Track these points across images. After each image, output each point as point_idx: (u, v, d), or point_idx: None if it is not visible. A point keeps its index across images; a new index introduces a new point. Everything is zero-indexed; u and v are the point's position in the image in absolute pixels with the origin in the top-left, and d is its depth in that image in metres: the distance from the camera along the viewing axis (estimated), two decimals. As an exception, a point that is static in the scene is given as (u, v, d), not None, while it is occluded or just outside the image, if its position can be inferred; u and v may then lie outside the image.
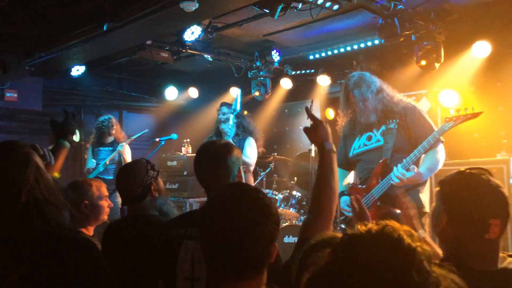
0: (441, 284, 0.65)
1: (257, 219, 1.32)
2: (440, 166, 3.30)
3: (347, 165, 3.64)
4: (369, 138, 3.42)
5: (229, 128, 4.70)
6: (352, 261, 0.66)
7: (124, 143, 5.90)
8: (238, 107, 4.34)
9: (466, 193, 1.64)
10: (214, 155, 2.06)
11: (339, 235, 0.75)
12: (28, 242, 1.53)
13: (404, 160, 3.18)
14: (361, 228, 0.71)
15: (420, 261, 0.65)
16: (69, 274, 1.50)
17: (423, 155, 3.26)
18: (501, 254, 1.71)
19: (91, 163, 6.00)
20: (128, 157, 5.92)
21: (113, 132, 6.04)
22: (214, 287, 1.36)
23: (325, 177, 1.86)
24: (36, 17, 4.70)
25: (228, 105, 4.90)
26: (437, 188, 1.73)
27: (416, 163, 3.21)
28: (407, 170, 3.13)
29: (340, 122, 3.64)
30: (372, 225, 0.71)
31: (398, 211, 3.17)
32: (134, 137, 5.94)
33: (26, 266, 1.48)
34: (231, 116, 4.71)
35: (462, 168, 1.73)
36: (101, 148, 6.03)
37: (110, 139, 6.06)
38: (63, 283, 1.49)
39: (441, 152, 3.27)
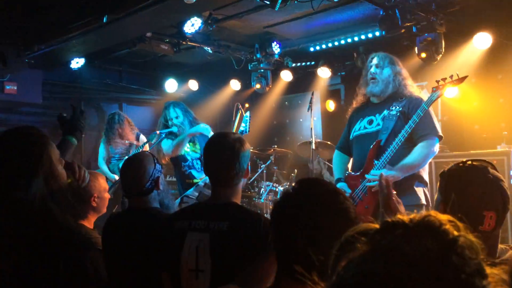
0: (486, 276, 0.62)
1: (338, 222, 1.26)
2: (423, 164, 3.23)
3: (346, 148, 3.62)
4: (370, 122, 3.42)
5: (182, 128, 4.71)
6: (390, 247, 0.63)
7: (142, 146, 5.46)
8: (248, 129, 4.34)
9: (461, 185, 1.66)
10: (228, 149, 2.06)
11: (375, 225, 0.71)
12: (26, 233, 1.51)
13: (377, 161, 3.16)
14: (400, 216, 0.69)
15: (461, 248, 0.63)
16: (62, 272, 1.49)
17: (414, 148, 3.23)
18: (503, 246, 1.71)
19: (102, 162, 5.84)
20: None
21: (120, 130, 5.76)
22: (276, 282, 1.30)
23: None
24: (36, 9, 4.68)
25: (177, 106, 4.84)
26: (439, 180, 1.74)
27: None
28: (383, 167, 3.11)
29: (354, 103, 3.66)
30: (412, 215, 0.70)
31: (394, 192, 3.15)
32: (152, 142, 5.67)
33: (19, 257, 1.47)
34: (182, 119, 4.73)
35: (464, 160, 1.74)
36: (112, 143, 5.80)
37: (119, 135, 5.76)
38: (54, 279, 1.49)
39: (431, 147, 3.20)
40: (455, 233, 0.63)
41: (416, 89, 3.46)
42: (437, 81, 3.19)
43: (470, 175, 1.67)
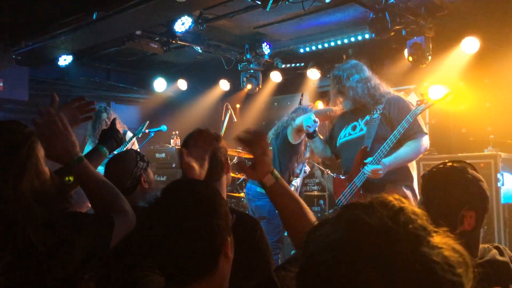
0: (430, 232, 0.73)
1: (195, 213, 1.18)
2: (413, 158, 3.30)
3: (333, 151, 3.69)
4: (354, 128, 3.48)
5: None
6: (352, 219, 0.74)
7: (128, 142, 5.20)
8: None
9: (440, 185, 1.70)
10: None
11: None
12: (16, 231, 1.48)
13: (375, 154, 3.20)
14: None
15: (407, 211, 0.74)
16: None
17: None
18: (486, 246, 1.74)
19: None
20: None
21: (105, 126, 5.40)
22: None
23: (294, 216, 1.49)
24: (24, 4, 4.61)
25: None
26: (421, 182, 1.78)
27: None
28: (377, 163, 3.16)
29: (338, 111, 3.69)
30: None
31: None
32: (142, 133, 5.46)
33: (12, 256, 1.44)
34: None
35: (445, 161, 1.77)
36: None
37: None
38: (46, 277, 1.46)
39: (420, 143, 3.25)
40: (402, 205, 0.76)
41: (389, 88, 3.51)
42: (422, 94, 3.27)
43: (449, 176, 1.70)
